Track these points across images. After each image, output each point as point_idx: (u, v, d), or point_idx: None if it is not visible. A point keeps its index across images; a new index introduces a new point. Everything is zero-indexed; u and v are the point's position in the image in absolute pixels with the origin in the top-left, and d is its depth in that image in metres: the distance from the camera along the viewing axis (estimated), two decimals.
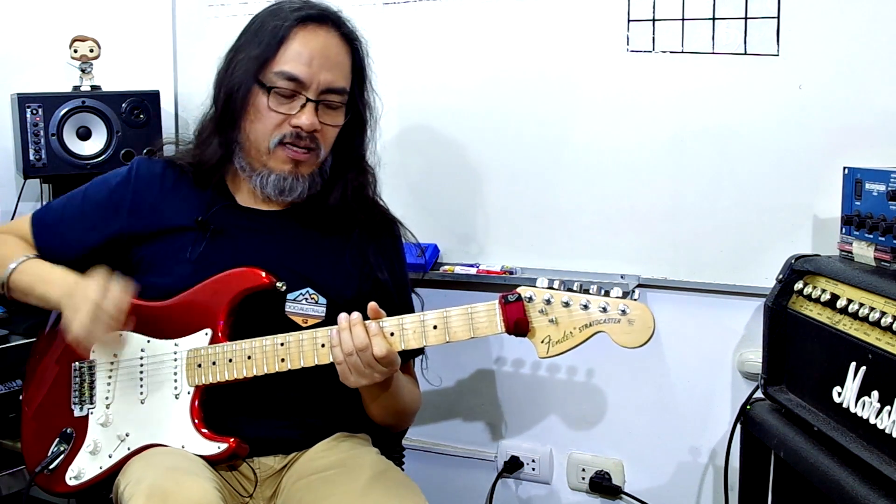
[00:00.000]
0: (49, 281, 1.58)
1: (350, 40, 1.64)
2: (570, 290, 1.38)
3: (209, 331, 1.55)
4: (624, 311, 1.34)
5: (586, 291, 1.38)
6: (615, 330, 1.35)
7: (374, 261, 1.68)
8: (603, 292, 1.37)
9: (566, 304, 1.37)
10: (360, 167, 1.71)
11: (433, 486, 2.30)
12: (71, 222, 1.69)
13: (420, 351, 1.77)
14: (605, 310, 1.35)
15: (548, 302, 1.38)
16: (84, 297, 1.46)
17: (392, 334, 1.44)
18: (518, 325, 1.38)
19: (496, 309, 1.40)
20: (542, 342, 1.38)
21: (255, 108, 1.59)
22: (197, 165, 1.66)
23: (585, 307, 1.36)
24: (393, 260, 1.72)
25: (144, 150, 1.77)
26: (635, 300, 1.34)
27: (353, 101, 1.65)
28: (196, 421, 1.53)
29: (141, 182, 1.68)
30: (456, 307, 1.43)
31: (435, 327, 1.43)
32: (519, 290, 1.40)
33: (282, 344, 1.50)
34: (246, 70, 1.59)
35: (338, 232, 1.68)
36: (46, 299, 1.57)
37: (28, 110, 2.13)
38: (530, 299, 1.38)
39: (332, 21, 1.61)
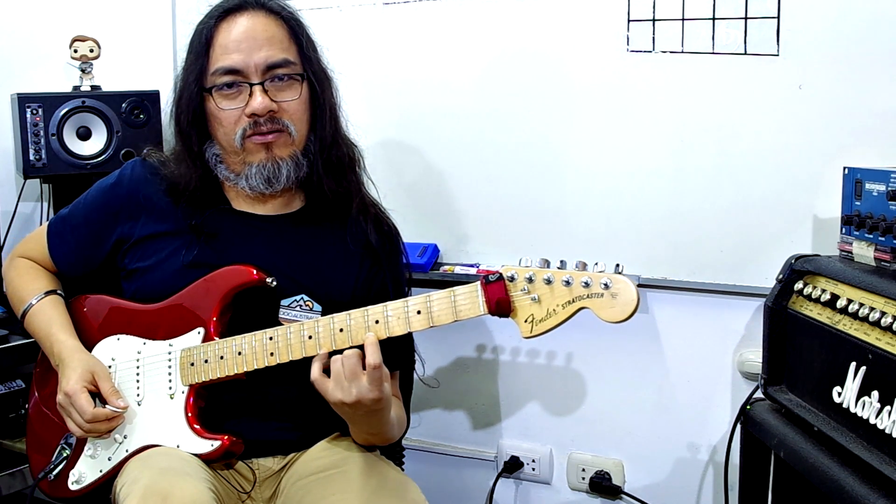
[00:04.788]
0: (45, 342, 1.65)
1: (277, 14, 1.61)
2: (552, 267, 1.36)
3: (202, 329, 1.56)
4: (606, 285, 1.30)
5: (569, 268, 1.35)
6: (598, 305, 1.31)
7: (372, 269, 1.67)
8: (586, 267, 1.34)
9: (548, 282, 1.34)
10: (334, 137, 1.66)
11: (433, 486, 2.30)
12: (79, 235, 1.71)
13: (408, 360, 1.76)
14: (587, 284, 1.31)
15: (530, 280, 1.35)
16: (71, 409, 1.54)
17: (377, 322, 1.43)
18: (500, 304, 1.36)
19: (478, 290, 1.38)
20: (526, 321, 1.36)
21: (212, 116, 1.60)
22: (172, 184, 1.66)
23: (568, 283, 1.33)
24: (392, 268, 1.71)
25: (144, 151, 1.76)
26: (619, 273, 1.31)
27: (304, 69, 1.62)
28: (190, 419, 1.53)
29: (135, 185, 1.69)
30: (439, 291, 1.41)
31: (419, 312, 1.41)
32: (500, 269, 1.37)
33: (270, 338, 1.49)
34: (189, 81, 1.59)
35: (336, 237, 1.67)
36: (48, 354, 1.65)
37: (28, 110, 2.13)
38: (512, 278, 1.36)
39: (252, 4, 1.60)
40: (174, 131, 1.66)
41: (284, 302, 1.59)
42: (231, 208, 1.67)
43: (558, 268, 1.35)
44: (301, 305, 1.59)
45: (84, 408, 1.52)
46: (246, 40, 1.56)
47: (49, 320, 1.66)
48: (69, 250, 1.73)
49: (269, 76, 1.57)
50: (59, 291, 1.73)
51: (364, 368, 1.37)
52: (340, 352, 1.41)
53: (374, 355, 1.37)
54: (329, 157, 1.65)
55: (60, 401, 1.55)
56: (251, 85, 1.56)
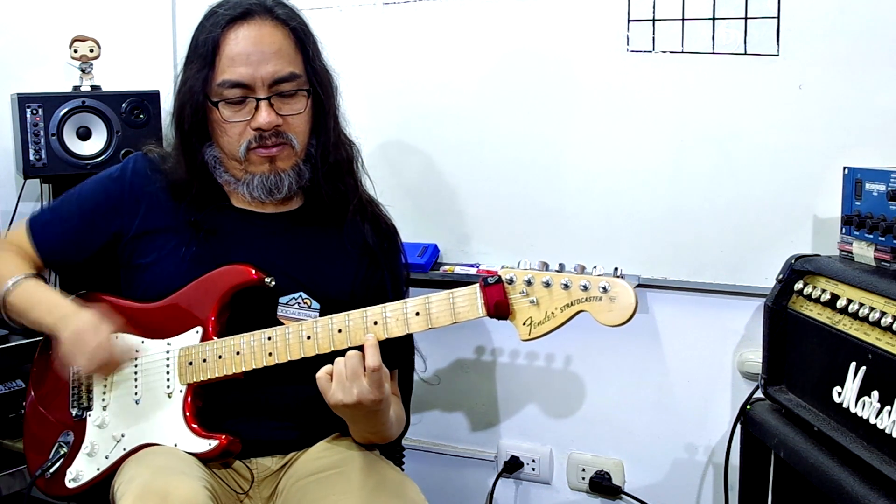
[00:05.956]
0: (44, 306, 1.60)
1: (284, 22, 1.59)
2: (551, 270, 1.36)
3: (200, 329, 1.56)
4: (605, 289, 1.31)
5: (568, 271, 1.36)
6: (596, 308, 1.32)
7: (370, 268, 1.67)
8: (584, 270, 1.34)
9: (547, 285, 1.34)
10: (335, 141, 1.66)
11: (433, 486, 2.31)
12: (69, 222, 1.69)
13: (408, 359, 1.76)
14: (586, 288, 1.32)
15: (528, 283, 1.36)
16: (82, 339, 1.50)
17: (375, 323, 1.43)
18: (498, 307, 1.36)
19: (476, 292, 1.38)
20: (524, 324, 1.36)
21: (216, 124, 1.60)
22: (172, 181, 1.65)
23: (566, 286, 1.33)
24: (391, 267, 1.71)
25: (143, 148, 1.76)
26: (619, 277, 1.32)
27: (310, 80, 1.61)
28: (188, 418, 1.53)
29: (136, 179, 1.68)
30: (438, 292, 1.41)
31: (417, 314, 1.41)
32: (499, 271, 1.38)
33: (269, 338, 1.50)
34: (194, 90, 1.58)
35: (334, 235, 1.67)
36: (40, 324, 1.60)
37: (28, 110, 2.13)
38: (510, 281, 1.36)
39: (259, 12, 1.58)
40: (174, 133, 1.66)
41: (283, 299, 1.59)
42: (230, 205, 1.67)
43: (557, 270, 1.36)
44: (299, 303, 1.59)
45: (102, 330, 1.50)
46: (255, 53, 1.55)
47: (34, 295, 1.62)
48: (54, 237, 1.69)
49: (276, 91, 1.57)
50: (42, 275, 1.69)
51: (365, 370, 1.37)
52: (340, 353, 1.41)
53: (373, 357, 1.37)
54: (329, 161, 1.65)
55: (68, 338, 1.51)
56: (258, 99, 1.56)
